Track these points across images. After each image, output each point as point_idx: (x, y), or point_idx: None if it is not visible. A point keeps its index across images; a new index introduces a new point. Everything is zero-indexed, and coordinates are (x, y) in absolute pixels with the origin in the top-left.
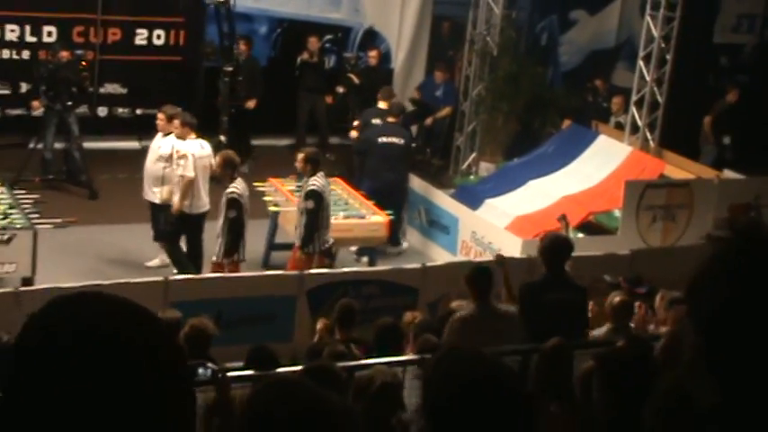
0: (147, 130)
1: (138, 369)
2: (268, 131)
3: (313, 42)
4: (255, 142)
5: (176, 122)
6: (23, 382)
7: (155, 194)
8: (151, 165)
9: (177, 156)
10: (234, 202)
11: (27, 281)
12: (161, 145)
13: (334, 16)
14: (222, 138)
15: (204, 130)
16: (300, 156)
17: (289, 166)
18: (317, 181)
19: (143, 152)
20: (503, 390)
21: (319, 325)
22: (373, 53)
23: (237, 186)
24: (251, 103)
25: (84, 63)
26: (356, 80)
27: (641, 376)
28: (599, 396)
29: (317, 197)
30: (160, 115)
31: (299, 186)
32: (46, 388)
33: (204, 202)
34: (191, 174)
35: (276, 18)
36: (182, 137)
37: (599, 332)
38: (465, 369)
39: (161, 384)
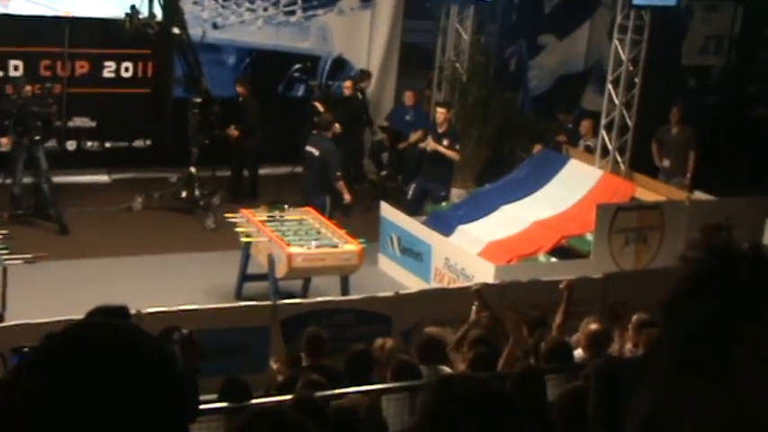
0: (116, 163)
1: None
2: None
3: (348, 86)
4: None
5: None
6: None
7: None
8: None
9: None
10: None
11: None
12: None
13: (302, 46)
14: (192, 169)
15: (175, 162)
16: None
17: (265, 195)
18: None
19: (113, 186)
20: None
21: (274, 365)
22: (347, 83)
23: None
24: (234, 132)
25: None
26: (321, 108)
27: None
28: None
29: None
30: None
31: (270, 216)
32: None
33: None
34: None
35: (244, 48)
36: None
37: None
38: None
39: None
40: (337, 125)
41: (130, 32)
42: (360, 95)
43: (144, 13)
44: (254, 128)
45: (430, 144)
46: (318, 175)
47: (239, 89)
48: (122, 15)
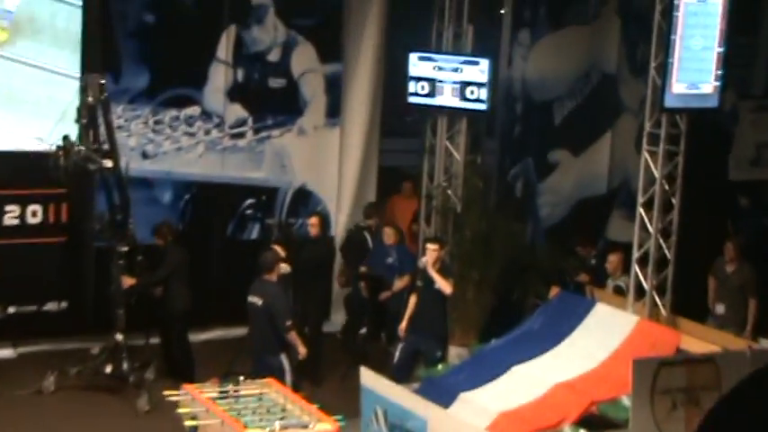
0: (23, 333)
1: None
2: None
3: (314, 224)
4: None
5: None
6: None
7: None
8: None
9: None
10: None
11: None
12: None
13: (255, 176)
14: (119, 337)
15: (97, 329)
16: None
17: (215, 366)
18: None
19: (18, 362)
20: None
21: None
22: (313, 220)
23: None
24: (157, 291)
25: None
26: (281, 253)
27: None
28: None
29: None
30: None
31: (222, 392)
32: None
33: None
34: None
35: (182, 181)
36: None
37: None
38: None
39: None
40: (283, 264)
41: (68, 169)
42: (367, 237)
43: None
44: (173, 283)
45: (423, 261)
46: (266, 330)
47: (156, 240)
48: (35, 146)
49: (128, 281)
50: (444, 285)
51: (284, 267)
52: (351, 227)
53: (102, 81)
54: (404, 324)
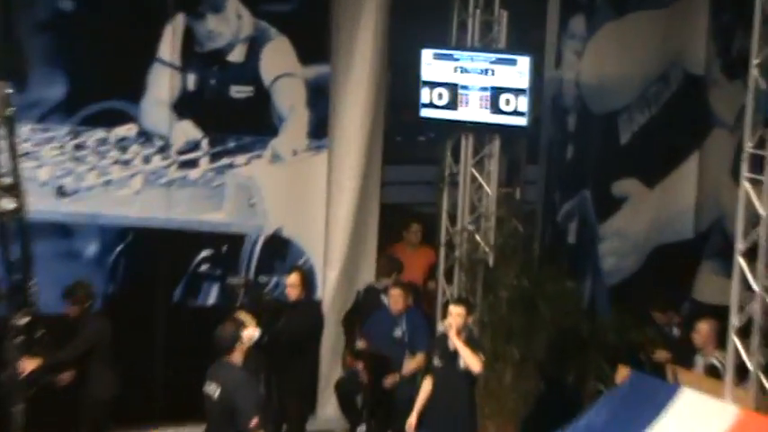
0: None
1: None
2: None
3: (293, 284)
4: None
5: None
6: None
7: None
8: None
9: None
10: None
11: None
12: None
13: (212, 218)
14: None
15: None
16: None
17: None
18: None
19: None
20: None
21: None
22: (293, 279)
23: None
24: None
25: None
26: (249, 324)
27: None
28: None
29: None
30: None
31: None
32: None
33: None
34: None
35: (115, 228)
36: None
37: None
38: None
39: None
40: (250, 330)
41: None
42: (385, 302)
43: None
44: (92, 365)
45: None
46: (227, 430)
47: (68, 306)
48: None
49: (28, 364)
50: (472, 361)
51: (250, 333)
52: (360, 289)
53: (9, 90)
54: (413, 418)
